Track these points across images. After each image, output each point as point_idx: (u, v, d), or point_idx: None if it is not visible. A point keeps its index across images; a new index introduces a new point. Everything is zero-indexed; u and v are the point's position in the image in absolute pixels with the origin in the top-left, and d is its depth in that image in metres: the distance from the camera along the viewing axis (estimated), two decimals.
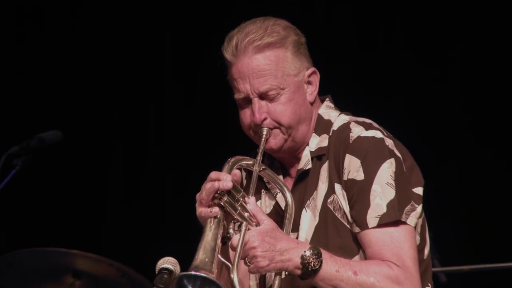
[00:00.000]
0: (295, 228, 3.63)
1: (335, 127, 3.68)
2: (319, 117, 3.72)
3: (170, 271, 3.28)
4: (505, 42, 6.88)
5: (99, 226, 7.51)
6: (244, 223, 3.45)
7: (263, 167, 3.64)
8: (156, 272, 3.29)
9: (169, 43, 7.51)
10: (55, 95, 7.50)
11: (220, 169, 3.55)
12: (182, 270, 3.31)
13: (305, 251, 3.43)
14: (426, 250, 3.69)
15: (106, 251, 5.81)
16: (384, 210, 3.51)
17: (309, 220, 3.62)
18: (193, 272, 3.28)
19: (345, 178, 3.58)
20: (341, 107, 3.84)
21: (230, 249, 3.48)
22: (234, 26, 3.73)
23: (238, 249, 3.40)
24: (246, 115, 3.67)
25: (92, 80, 7.53)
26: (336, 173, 3.60)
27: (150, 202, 7.47)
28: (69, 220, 7.51)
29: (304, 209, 3.63)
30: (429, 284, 3.69)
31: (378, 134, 3.61)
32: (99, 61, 7.51)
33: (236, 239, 3.42)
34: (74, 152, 7.36)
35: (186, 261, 3.41)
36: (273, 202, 3.73)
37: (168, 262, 3.30)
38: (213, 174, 3.51)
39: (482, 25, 6.92)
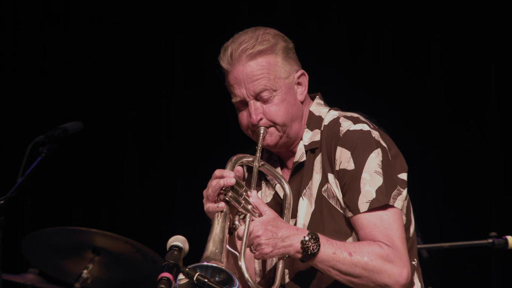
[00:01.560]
0: (293, 215, 3.60)
1: (325, 122, 3.64)
2: (311, 113, 3.69)
3: (179, 248, 3.25)
4: (476, 43, 6.87)
5: (116, 207, 7.49)
6: (248, 214, 3.43)
7: (262, 163, 3.61)
8: (167, 249, 3.26)
9: (178, 44, 7.50)
10: (77, 91, 7.50)
11: (223, 165, 3.51)
12: (190, 249, 3.29)
13: (304, 237, 3.40)
14: (412, 229, 3.65)
15: (123, 230, 5.78)
16: (374, 195, 3.48)
17: (306, 207, 3.59)
18: (204, 263, 3.26)
19: (337, 168, 3.55)
20: (334, 104, 3.79)
21: (236, 239, 3.45)
22: (238, 29, 3.69)
23: (244, 239, 3.39)
24: (243, 117, 3.64)
25: (109, 77, 7.52)
26: (329, 164, 3.57)
27: (162, 186, 7.45)
28: (89, 202, 7.50)
29: (301, 198, 3.61)
30: (415, 259, 3.65)
31: (365, 127, 3.58)
32: (116, 60, 7.50)
33: (241, 229, 3.41)
34: (93, 141, 7.35)
35: (194, 239, 3.38)
36: (273, 192, 3.70)
37: (178, 240, 3.27)
38: (218, 172, 3.48)
39: (456, 32, 6.91)
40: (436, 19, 6.94)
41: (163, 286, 3.13)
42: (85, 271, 5.61)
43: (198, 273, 3.21)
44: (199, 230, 3.46)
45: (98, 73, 7.51)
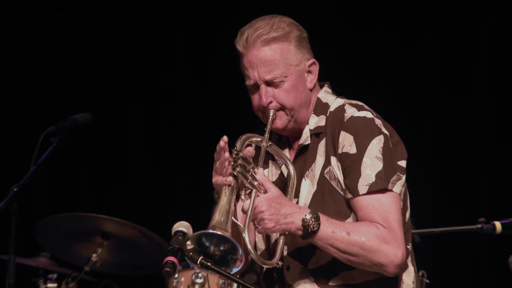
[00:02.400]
0: (296, 194, 3.59)
1: (331, 109, 3.63)
2: (318, 100, 3.68)
3: (184, 233, 3.24)
4: (468, 26, 6.88)
5: (124, 195, 7.49)
6: (254, 190, 3.42)
7: (269, 143, 3.60)
8: (172, 234, 3.25)
9: (182, 41, 7.50)
10: (86, 84, 7.50)
11: (233, 143, 3.49)
12: (197, 231, 3.27)
13: (305, 215, 3.39)
14: (408, 214, 3.63)
15: (130, 216, 5.77)
16: (373, 179, 3.47)
17: (308, 188, 3.58)
18: (210, 231, 3.24)
19: (339, 151, 3.53)
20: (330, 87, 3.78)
21: (241, 213, 3.43)
22: (239, 25, 3.67)
23: (249, 213, 3.37)
24: (255, 99, 3.63)
25: (116, 70, 7.52)
26: (332, 148, 3.55)
27: (167, 175, 7.45)
28: (99, 189, 7.49)
29: (303, 179, 3.59)
30: (410, 244, 3.63)
31: (368, 114, 3.57)
32: (124, 56, 7.51)
33: (247, 204, 3.39)
34: (101, 132, 7.34)
35: (197, 225, 3.36)
36: (279, 172, 3.69)
37: (182, 226, 3.26)
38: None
39: (448, 13, 6.91)
40: (429, 7, 6.95)
41: (168, 269, 3.13)
42: (94, 255, 5.61)
43: (201, 257, 3.20)
44: (202, 216, 3.44)
45: (106, 68, 7.51)
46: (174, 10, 7.46)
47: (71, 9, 7.52)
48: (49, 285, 5.70)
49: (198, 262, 3.20)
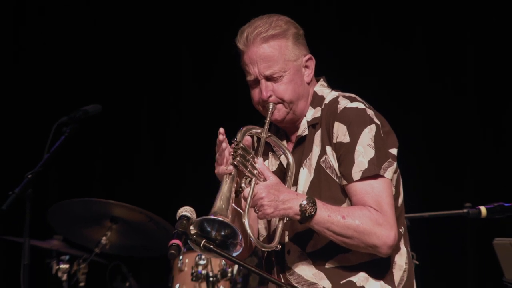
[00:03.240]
0: (295, 183, 3.60)
1: (326, 101, 3.65)
2: (314, 93, 3.69)
3: (188, 218, 3.24)
4: (455, 21, 6.93)
5: (132, 181, 7.50)
6: (254, 178, 3.43)
7: (269, 134, 3.62)
8: (177, 218, 3.25)
9: (186, 38, 7.52)
10: (97, 78, 7.52)
11: (234, 135, 3.51)
12: (200, 217, 3.28)
13: (302, 201, 3.41)
14: (400, 200, 3.65)
15: (138, 202, 5.78)
16: (366, 166, 3.49)
17: (305, 176, 3.59)
18: (212, 217, 3.26)
19: (334, 141, 3.55)
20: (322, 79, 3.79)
21: (242, 199, 3.45)
22: (239, 24, 3.68)
23: (249, 199, 3.39)
24: (255, 93, 3.65)
25: (125, 66, 7.53)
26: (327, 138, 3.57)
27: (173, 162, 7.46)
28: (108, 176, 7.51)
29: (301, 168, 3.61)
30: (402, 227, 3.66)
31: (360, 105, 3.58)
32: (131, 52, 7.52)
33: (247, 191, 3.41)
34: (111, 123, 7.35)
35: (201, 209, 3.38)
36: (278, 162, 3.70)
37: (186, 211, 3.26)
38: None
39: (439, 9, 6.93)
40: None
41: (173, 251, 3.13)
42: (104, 238, 5.62)
43: (204, 240, 3.21)
44: (205, 202, 3.45)
45: (116, 62, 7.54)
46: (178, 9, 7.46)
47: (83, 4, 7.53)
48: (61, 266, 5.72)
49: (201, 245, 3.21)
